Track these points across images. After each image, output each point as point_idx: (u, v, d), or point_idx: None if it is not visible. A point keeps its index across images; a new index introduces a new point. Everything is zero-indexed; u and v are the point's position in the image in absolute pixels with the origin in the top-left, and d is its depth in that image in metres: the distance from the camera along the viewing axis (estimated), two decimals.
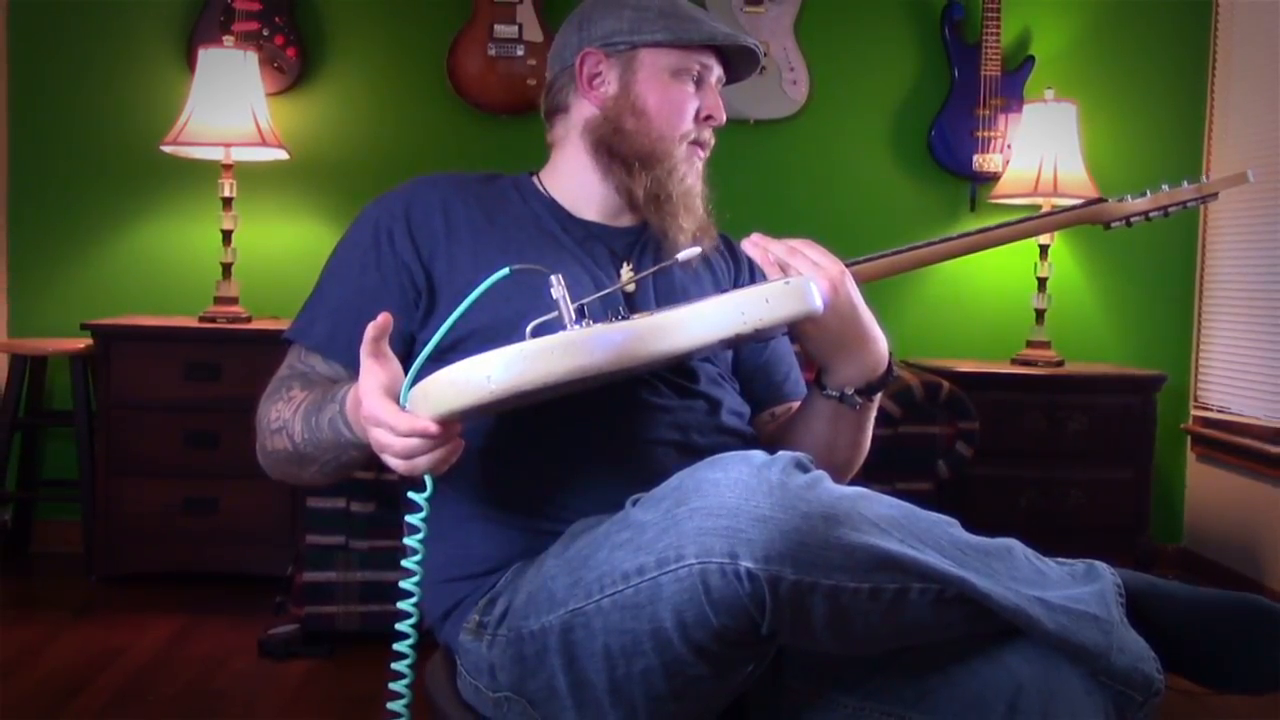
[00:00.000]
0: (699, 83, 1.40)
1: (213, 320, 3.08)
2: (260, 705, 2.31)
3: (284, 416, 1.25)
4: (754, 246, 1.29)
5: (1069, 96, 3.34)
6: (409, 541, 1.10)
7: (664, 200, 1.38)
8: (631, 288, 1.36)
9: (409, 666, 1.11)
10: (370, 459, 1.18)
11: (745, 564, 0.94)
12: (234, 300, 3.14)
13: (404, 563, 1.10)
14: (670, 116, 1.38)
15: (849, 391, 1.30)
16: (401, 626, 1.11)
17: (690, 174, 1.40)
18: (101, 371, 3.02)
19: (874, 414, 1.37)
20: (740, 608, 0.96)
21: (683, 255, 1.22)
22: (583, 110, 1.41)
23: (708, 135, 1.42)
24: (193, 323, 3.08)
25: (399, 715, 1.11)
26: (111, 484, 3.02)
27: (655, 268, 1.34)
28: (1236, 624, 1.10)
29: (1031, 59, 3.49)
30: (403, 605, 1.11)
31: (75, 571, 3.11)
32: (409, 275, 1.32)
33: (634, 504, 1.08)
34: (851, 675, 1.10)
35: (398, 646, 1.11)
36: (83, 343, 3.11)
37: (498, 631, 1.17)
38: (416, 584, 1.10)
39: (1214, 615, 1.11)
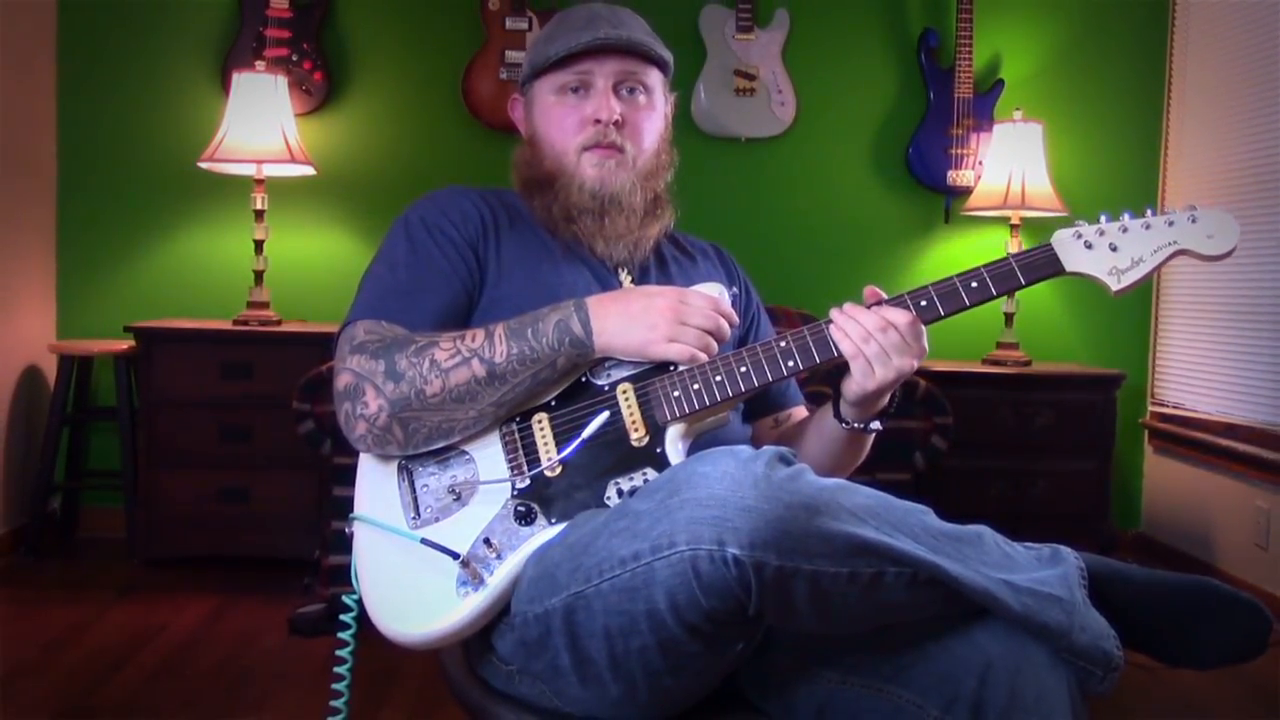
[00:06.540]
0: (587, 90, 1.36)
1: (245, 323, 3.08)
2: (289, 679, 2.31)
3: (470, 347, 1.19)
4: (846, 318, 1.20)
5: (1036, 117, 3.33)
6: (340, 653, 1.13)
7: (574, 210, 1.36)
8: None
9: None
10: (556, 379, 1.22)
11: (732, 550, 0.93)
12: (265, 305, 3.14)
13: (337, 668, 1.13)
14: (554, 134, 1.38)
15: (859, 425, 1.29)
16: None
17: (594, 179, 1.35)
18: (143, 370, 3.02)
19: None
20: (728, 591, 0.95)
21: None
22: None
23: (609, 135, 1.35)
24: (227, 325, 3.08)
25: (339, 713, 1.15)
26: (152, 474, 3.01)
27: (581, 440, 1.19)
28: (1189, 604, 1.10)
29: (1001, 82, 3.48)
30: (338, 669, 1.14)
31: (118, 555, 3.11)
32: (470, 251, 1.33)
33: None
34: (834, 652, 1.10)
35: None
36: (126, 344, 3.11)
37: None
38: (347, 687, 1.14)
39: (1169, 596, 1.11)
